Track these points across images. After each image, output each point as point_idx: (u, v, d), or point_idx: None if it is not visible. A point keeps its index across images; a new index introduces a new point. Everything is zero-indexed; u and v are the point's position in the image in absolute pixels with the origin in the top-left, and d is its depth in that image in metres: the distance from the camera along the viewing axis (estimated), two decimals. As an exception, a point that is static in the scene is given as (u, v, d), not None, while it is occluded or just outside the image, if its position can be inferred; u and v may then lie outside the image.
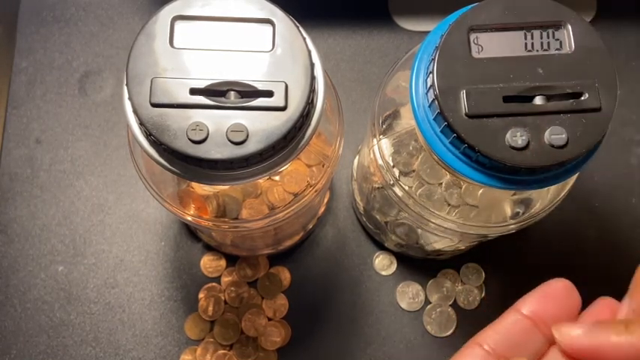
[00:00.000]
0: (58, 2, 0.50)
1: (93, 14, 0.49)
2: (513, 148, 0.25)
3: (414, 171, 0.34)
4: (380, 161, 0.33)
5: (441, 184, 0.34)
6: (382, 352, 0.43)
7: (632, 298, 0.23)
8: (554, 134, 0.25)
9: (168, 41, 0.25)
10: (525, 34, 0.26)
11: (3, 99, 0.47)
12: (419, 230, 0.39)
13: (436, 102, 0.26)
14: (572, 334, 0.22)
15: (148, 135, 0.25)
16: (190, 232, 0.45)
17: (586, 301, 0.44)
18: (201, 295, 0.43)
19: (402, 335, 0.43)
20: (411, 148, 0.34)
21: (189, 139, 0.24)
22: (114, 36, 0.49)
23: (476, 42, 0.26)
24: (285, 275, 0.44)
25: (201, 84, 0.25)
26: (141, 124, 0.25)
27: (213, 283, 0.44)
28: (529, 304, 0.24)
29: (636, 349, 0.21)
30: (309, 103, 0.26)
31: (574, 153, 0.25)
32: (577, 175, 0.28)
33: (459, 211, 0.34)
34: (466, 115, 0.25)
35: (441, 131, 0.26)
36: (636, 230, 0.45)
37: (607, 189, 0.46)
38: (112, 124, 0.47)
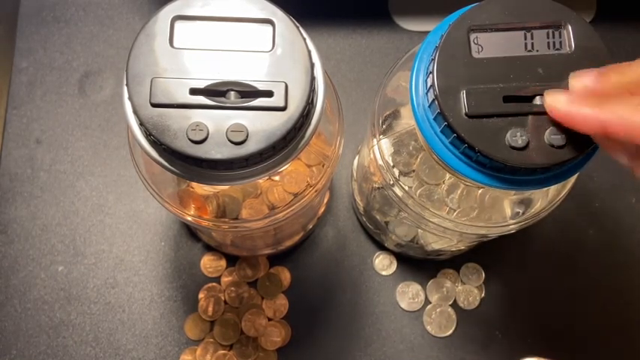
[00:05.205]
0: (58, 2, 0.50)
1: (93, 14, 0.49)
2: (513, 148, 0.25)
3: (413, 171, 0.34)
4: (380, 161, 0.33)
5: (444, 186, 0.34)
6: (382, 352, 0.43)
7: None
8: (554, 134, 0.25)
9: (168, 41, 0.25)
10: (525, 34, 0.26)
11: (3, 99, 0.47)
12: (419, 230, 0.39)
13: (436, 102, 0.26)
14: (557, 101, 0.25)
15: (148, 135, 0.25)
16: (190, 232, 0.45)
17: (586, 300, 0.44)
18: (201, 295, 0.43)
19: (402, 335, 0.43)
20: (411, 148, 0.34)
21: (189, 139, 0.24)
22: (114, 36, 0.49)
23: (476, 42, 0.26)
24: (285, 275, 0.44)
25: (201, 84, 0.25)
26: (141, 124, 0.25)
27: (213, 283, 0.44)
28: None
29: (599, 121, 0.23)
30: (309, 103, 0.26)
31: (574, 153, 0.25)
32: (577, 175, 0.28)
33: (459, 211, 0.34)
34: (466, 115, 0.25)
35: (441, 131, 0.26)
36: (636, 230, 0.45)
37: (607, 189, 0.46)
38: (112, 124, 0.47)
